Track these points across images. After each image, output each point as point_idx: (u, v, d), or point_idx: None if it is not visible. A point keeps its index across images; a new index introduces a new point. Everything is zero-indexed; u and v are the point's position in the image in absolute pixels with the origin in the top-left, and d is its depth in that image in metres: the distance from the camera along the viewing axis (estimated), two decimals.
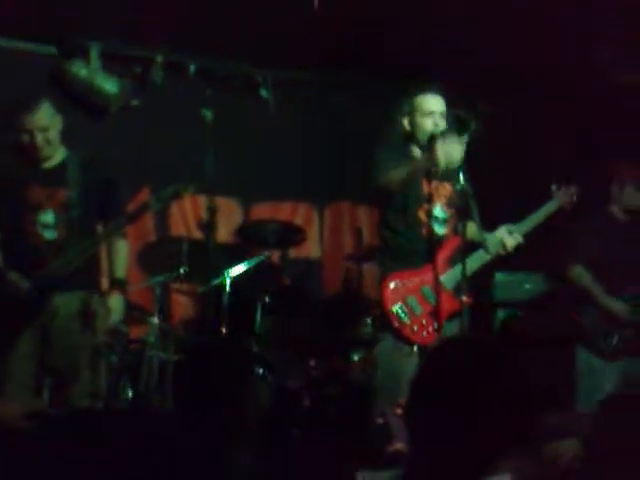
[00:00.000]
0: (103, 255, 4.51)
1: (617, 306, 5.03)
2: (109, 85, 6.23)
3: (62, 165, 4.35)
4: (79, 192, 4.28)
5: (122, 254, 4.45)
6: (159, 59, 6.32)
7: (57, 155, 4.37)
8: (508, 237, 4.37)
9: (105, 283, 4.60)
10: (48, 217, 4.25)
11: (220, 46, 6.15)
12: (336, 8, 5.23)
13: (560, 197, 4.70)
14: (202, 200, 6.41)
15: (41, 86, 5.82)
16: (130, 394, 5.08)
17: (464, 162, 4.30)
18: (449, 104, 4.37)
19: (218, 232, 6.24)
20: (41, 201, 4.27)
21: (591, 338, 5.04)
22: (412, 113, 4.36)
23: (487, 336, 3.63)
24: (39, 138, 4.23)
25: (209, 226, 4.46)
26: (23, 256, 4.23)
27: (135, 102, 6.33)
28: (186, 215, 6.43)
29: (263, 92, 6.49)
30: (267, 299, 5.53)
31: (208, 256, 4.92)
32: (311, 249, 6.78)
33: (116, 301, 4.32)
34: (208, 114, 4.16)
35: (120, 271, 4.40)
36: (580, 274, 5.06)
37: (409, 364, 4.11)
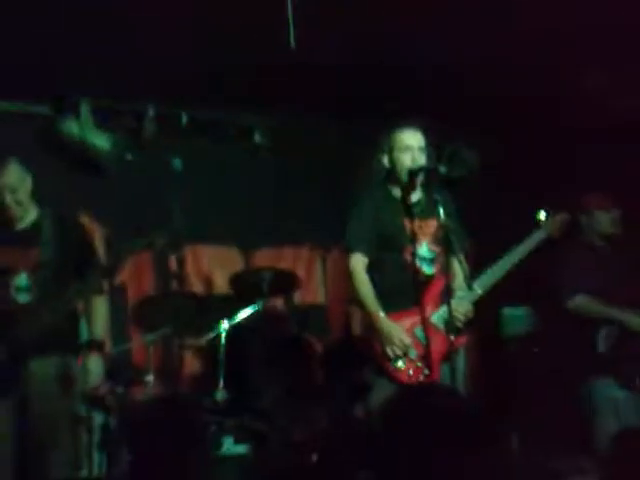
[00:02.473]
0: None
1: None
2: (101, 141, 6.14)
3: (34, 225, 4.24)
4: (53, 251, 4.15)
5: (100, 312, 4.29)
6: (150, 112, 6.23)
7: (29, 215, 4.25)
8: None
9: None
10: (21, 280, 4.12)
11: (211, 95, 6.03)
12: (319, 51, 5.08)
13: (548, 226, 4.51)
14: (203, 252, 6.33)
15: (30, 145, 5.71)
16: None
17: (447, 197, 4.16)
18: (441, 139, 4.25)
19: (219, 283, 6.15)
20: (14, 264, 4.14)
21: (615, 367, 4.77)
22: (391, 150, 4.22)
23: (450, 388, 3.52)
24: (8, 199, 4.14)
25: (178, 278, 4.32)
26: None
27: (128, 157, 6.23)
28: (186, 269, 6.26)
29: (257, 138, 6.36)
30: (269, 348, 5.35)
31: (197, 309, 4.78)
32: (316, 294, 6.59)
33: (94, 363, 4.14)
34: (177, 163, 4.02)
35: (98, 331, 4.24)
36: (584, 303, 4.85)
37: None
